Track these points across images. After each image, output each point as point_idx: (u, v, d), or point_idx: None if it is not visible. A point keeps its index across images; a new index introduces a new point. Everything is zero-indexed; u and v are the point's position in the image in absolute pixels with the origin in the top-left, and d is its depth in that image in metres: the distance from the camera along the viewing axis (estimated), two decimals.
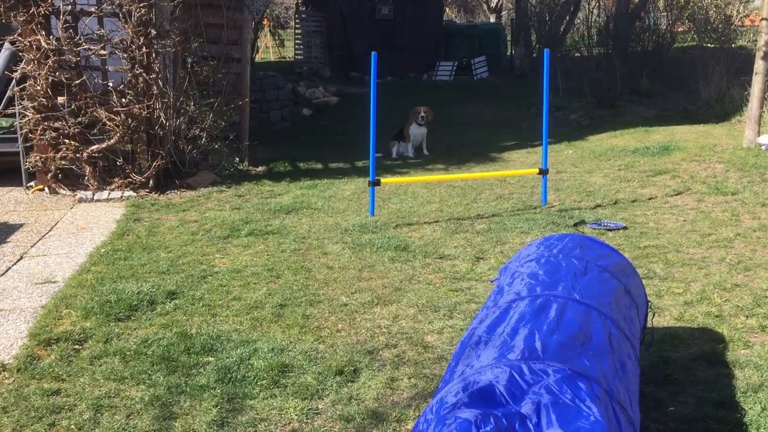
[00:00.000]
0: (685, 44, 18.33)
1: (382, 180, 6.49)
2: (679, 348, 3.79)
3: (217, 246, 5.68)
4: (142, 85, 7.33)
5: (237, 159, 8.95)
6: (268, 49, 30.11)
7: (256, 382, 3.38)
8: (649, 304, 3.60)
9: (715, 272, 4.97)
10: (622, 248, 5.52)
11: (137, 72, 7.24)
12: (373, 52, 6.06)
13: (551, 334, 2.39)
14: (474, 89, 16.74)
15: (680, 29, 18.66)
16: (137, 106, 7.33)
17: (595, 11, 17.65)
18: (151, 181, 7.52)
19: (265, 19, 31.16)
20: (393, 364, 3.63)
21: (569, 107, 13.26)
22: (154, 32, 7.29)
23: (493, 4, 22.65)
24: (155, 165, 7.45)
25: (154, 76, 7.31)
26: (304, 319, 4.19)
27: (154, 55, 7.39)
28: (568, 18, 18.21)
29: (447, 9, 31.54)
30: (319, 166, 9.31)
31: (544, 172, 6.61)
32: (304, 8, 20.70)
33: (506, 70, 18.89)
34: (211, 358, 3.63)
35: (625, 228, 6.09)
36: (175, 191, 7.61)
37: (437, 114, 13.87)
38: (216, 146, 8.40)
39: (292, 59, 21.03)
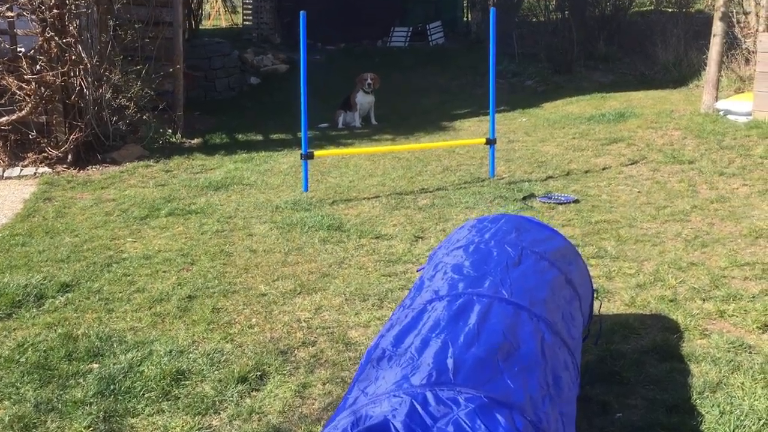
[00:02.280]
0: (644, 8, 18.00)
1: (317, 153, 5.99)
2: (629, 339, 3.40)
3: (131, 228, 5.14)
4: (55, 50, 6.66)
5: (170, 131, 8.34)
6: (219, 16, 29.07)
7: (143, 394, 2.90)
8: (595, 292, 3.19)
9: (670, 249, 4.60)
10: (572, 224, 5.13)
11: (48, 35, 6.57)
12: (301, 12, 5.50)
13: (468, 347, 1.95)
14: (429, 55, 16.18)
15: None
16: (50, 73, 6.67)
17: None
18: (69, 156, 6.90)
19: None
20: (307, 367, 3.17)
21: (525, 73, 12.83)
22: None
23: None
24: (73, 138, 6.83)
25: (68, 40, 6.65)
26: (214, 313, 3.71)
27: (68, 16, 6.72)
28: None
29: None
30: (259, 137, 8.76)
31: (491, 142, 6.17)
32: None
33: (462, 36, 18.36)
34: (95, 365, 3.13)
35: (576, 201, 5.69)
36: (97, 166, 7.00)
37: (391, 82, 13.35)
38: (144, 117, 7.78)
39: (241, 26, 20.19)
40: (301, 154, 5.70)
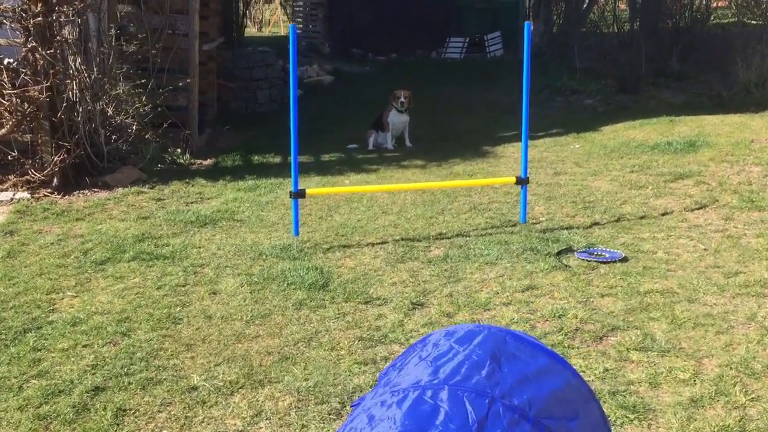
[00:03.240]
0: (725, 20, 16.47)
1: (310, 191, 5.08)
2: None
3: (81, 277, 4.36)
4: (41, 62, 6.00)
5: (179, 151, 7.61)
6: (279, 24, 28.66)
7: None
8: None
9: (740, 340, 3.51)
10: (615, 293, 4.08)
11: (31, 45, 5.91)
12: (291, 25, 4.59)
13: None
14: (484, 68, 15.14)
15: (719, 4, 16.81)
16: (35, 87, 6.01)
17: None
18: (55, 179, 6.22)
19: None
20: None
21: (585, 90, 11.66)
22: None
23: None
24: (58, 160, 6.15)
25: (51, 51, 5.97)
26: (116, 419, 2.84)
27: (56, 25, 6.05)
28: None
29: None
30: (277, 159, 7.94)
31: (522, 181, 5.14)
32: None
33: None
34: None
35: (624, 260, 4.62)
36: (86, 191, 6.31)
37: (436, 97, 12.40)
38: (147, 136, 7.07)
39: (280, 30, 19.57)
40: (290, 192, 4.82)
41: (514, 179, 5.17)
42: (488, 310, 3.95)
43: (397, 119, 8.57)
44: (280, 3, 27.69)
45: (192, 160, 7.57)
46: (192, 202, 6.08)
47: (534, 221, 5.49)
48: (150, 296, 4.06)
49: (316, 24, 17.87)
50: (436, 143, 8.76)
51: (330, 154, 8.22)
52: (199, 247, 4.91)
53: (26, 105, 6.02)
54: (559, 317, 3.80)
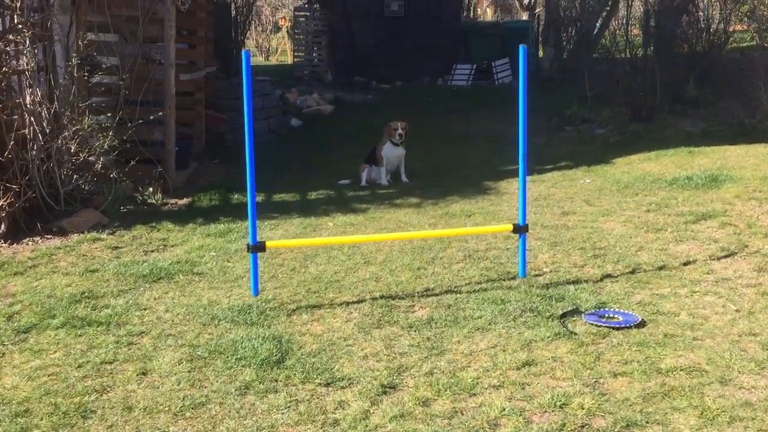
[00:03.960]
0: (743, 44, 15.75)
1: (270, 243, 4.39)
2: None
3: None
4: None
5: (151, 190, 6.98)
6: (286, 52, 28.28)
7: None
8: None
9: None
10: (629, 372, 3.34)
11: None
12: (244, 51, 3.93)
13: None
14: (492, 96, 14.49)
15: (737, 27, 16.11)
16: None
17: (637, 4, 15.25)
18: (2, 226, 5.59)
19: (282, 19, 29.45)
20: None
21: (597, 119, 10.98)
22: None
23: (526, 1, 20.32)
24: (6, 204, 5.52)
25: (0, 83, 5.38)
26: None
27: (5, 55, 5.47)
28: (605, 14, 15.83)
29: (479, 8, 29.28)
30: (260, 198, 7.27)
31: (521, 229, 4.42)
32: (306, 4, 18.79)
33: (533, 75, 16.57)
34: None
35: (640, 325, 3.89)
36: (37, 238, 5.66)
37: (438, 127, 11.75)
38: (112, 174, 6.44)
39: (293, 62, 19.09)
40: (247, 245, 4.14)
41: (510, 227, 4.45)
42: (474, 395, 3.23)
43: (391, 153, 7.91)
44: (287, 31, 27.33)
45: (164, 200, 6.93)
46: (152, 251, 5.41)
47: (536, 272, 4.77)
48: (66, 378, 3.37)
49: (319, 52, 17.35)
50: (435, 178, 8.08)
51: (318, 191, 7.56)
52: (144, 309, 4.23)
53: None
54: (561, 407, 3.07)
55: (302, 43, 17.77)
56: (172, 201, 7.02)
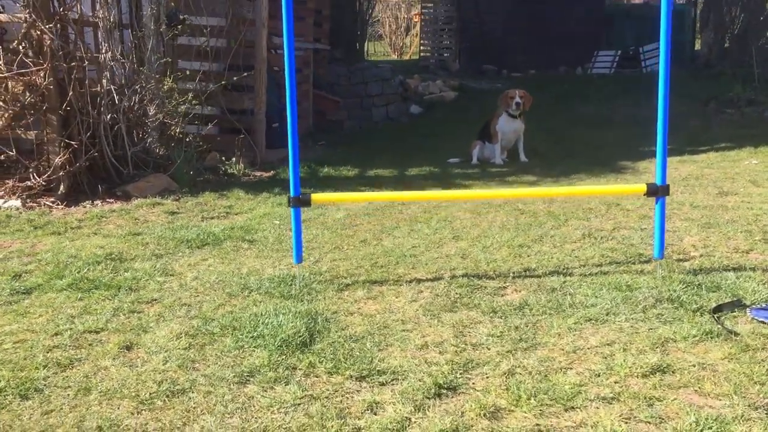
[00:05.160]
0: None
1: (316, 197, 3.46)
2: None
3: None
4: (48, 41, 4.90)
5: (233, 160, 6.32)
6: (418, 52, 27.51)
7: None
8: None
9: None
10: None
11: (32, 20, 4.82)
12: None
13: None
14: (637, 84, 12.85)
15: None
16: (39, 73, 4.92)
17: None
18: (61, 186, 5.07)
19: (416, 15, 28.73)
20: None
21: (765, 102, 9.25)
22: None
23: None
24: (62, 162, 4.99)
25: (50, 25, 4.84)
26: None
27: None
28: None
29: None
30: (352, 173, 6.41)
31: (659, 191, 3.20)
32: None
33: (688, 62, 14.69)
34: None
35: None
36: (98, 202, 5.10)
37: (573, 112, 10.44)
38: (187, 139, 5.83)
39: (419, 55, 18.22)
40: (288, 197, 3.24)
41: (644, 187, 3.25)
42: (573, 409, 2.14)
43: (508, 127, 6.80)
44: (421, 27, 26.58)
45: (246, 171, 6.23)
46: (211, 218, 4.67)
47: (680, 257, 3.54)
48: (32, 347, 2.62)
49: (447, 41, 16.39)
50: (561, 159, 6.86)
51: (420, 168, 6.59)
52: (170, 275, 3.45)
53: (28, 93, 4.93)
54: None
55: (429, 32, 16.88)
56: (255, 173, 6.31)
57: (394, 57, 28.40)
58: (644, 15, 14.78)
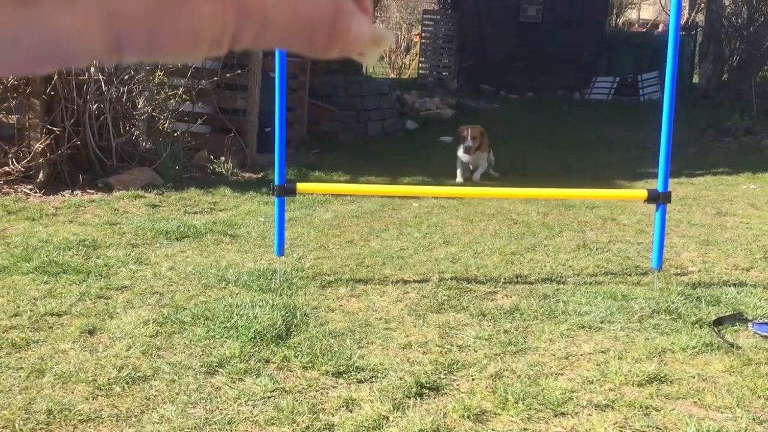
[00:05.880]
0: None
1: (302, 186, 3.32)
2: None
3: None
4: None
5: (222, 159, 6.17)
6: (417, 70, 27.57)
7: None
8: None
9: None
10: None
11: None
12: None
13: None
14: (634, 111, 12.83)
15: None
16: None
17: None
18: (41, 174, 4.91)
19: (416, 35, 28.85)
20: None
21: (763, 131, 9.19)
22: None
23: (684, 18, 18.40)
24: (41, 150, 4.83)
25: None
26: None
27: None
28: None
29: (628, 13, 27.25)
30: (343, 178, 6.27)
31: (659, 198, 3.07)
32: (438, 7, 17.93)
33: (686, 92, 14.66)
34: None
35: None
36: (78, 192, 4.93)
37: (571, 133, 10.35)
38: (176, 134, 5.68)
39: (418, 73, 18.18)
40: (271, 185, 3.09)
41: (644, 193, 3.12)
42: (563, 414, 1.98)
43: (464, 158, 6.32)
44: (420, 47, 26.63)
45: (235, 171, 6.08)
46: (194, 212, 4.51)
47: (678, 271, 3.40)
48: None
49: (447, 59, 16.36)
50: (556, 174, 6.74)
51: (413, 177, 6.43)
52: (146, 264, 3.28)
53: (10, 77, 4.78)
54: None
55: (428, 50, 16.84)
56: (244, 174, 6.15)
57: (393, 76, 28.46)
58: (644, 43, 14.81)
